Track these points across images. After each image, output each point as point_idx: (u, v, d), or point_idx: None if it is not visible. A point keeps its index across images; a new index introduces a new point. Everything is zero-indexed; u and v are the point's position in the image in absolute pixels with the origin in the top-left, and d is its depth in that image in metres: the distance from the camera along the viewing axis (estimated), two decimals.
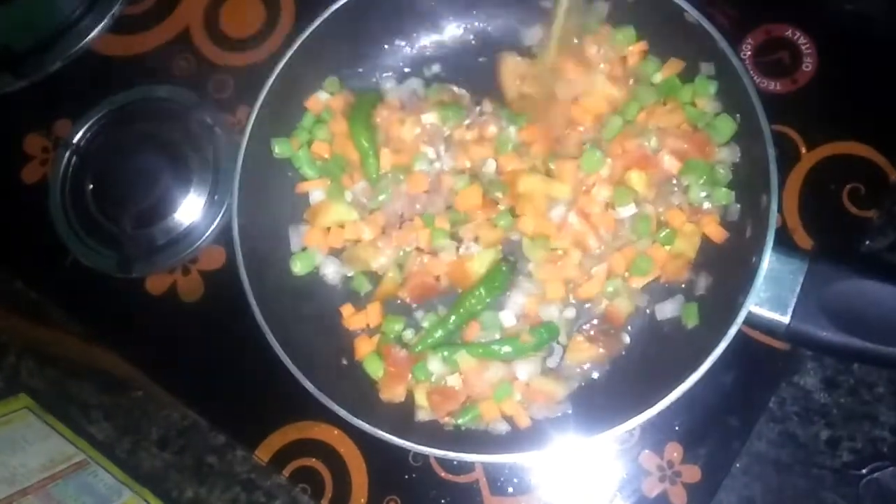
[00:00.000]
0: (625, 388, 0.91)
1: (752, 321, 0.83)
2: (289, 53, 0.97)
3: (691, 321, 0.91)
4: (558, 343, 0.94)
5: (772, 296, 0.83)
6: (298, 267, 0.99)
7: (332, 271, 1.01)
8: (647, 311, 0.95)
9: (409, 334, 0.96)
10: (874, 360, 0.85)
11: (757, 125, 0.86)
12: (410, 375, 0.93)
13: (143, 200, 1.07)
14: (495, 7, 1.06)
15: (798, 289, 0.83)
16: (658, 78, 0.97)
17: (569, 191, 0.94)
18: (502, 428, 0.91)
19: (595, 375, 0.94)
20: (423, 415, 0.92)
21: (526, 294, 0.95)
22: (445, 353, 0.91)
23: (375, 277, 1.00)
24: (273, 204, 1.01)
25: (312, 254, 1.00)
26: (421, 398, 0.92)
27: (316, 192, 1.02)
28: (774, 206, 0.84)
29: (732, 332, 0.82)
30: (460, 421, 0.91)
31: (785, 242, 0.93)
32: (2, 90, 1.18)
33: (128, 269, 1.07)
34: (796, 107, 1.02)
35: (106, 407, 1.07)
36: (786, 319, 0.83)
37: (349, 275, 1.01)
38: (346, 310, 0.98)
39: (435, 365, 0.92)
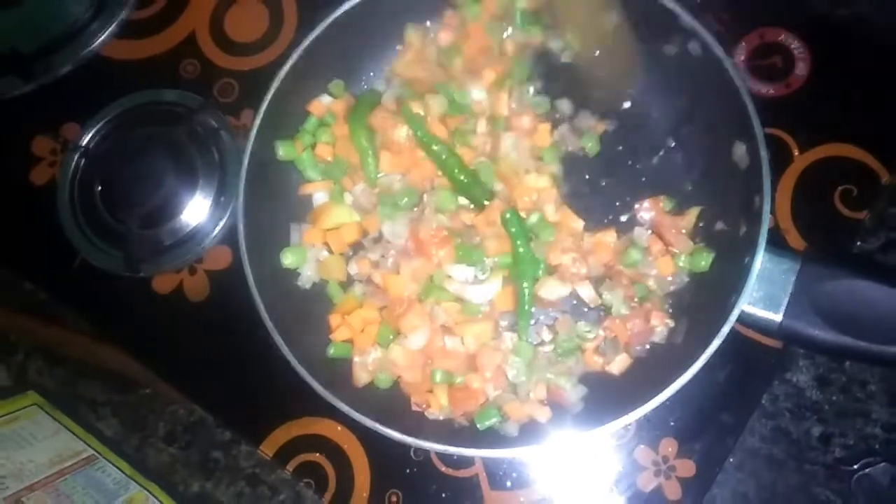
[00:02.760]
0: (621, 385, 0.93)
1: (744, 320, 0.85)
2: (292, 58, 0.98)
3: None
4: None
5: (764, 295, 0.84)
6: (289, 260, 0.99)
7: (306, 275, 1.01)
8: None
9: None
10: (865, 358, 0.86)
11: (751, 128, 0.87)
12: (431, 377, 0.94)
13: (150, 201, 1.08)
14: None
15: (790, 288, 0.84)
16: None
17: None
18: (513, 430, 0.92)
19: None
20: (439, 413, 0.93)
21: None
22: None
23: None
24: (278, 205, 1.02)
25: (305, 250, 1.01)
26: (442, 397, 0.93)
27: (319, 193, 1.04)
28: (767, 207, 0.85)
29: (725, 330, 0.83)
30: (483, 424, 0.91)
31: (778, 243, 0.95)
32: (11, 93, 1.19)
33: (135, 269, 1.08)
34: (789, 110, 1.03)
35: (114, 404, 1.09)
36: (778, 318, 0.84)
37: (316, 280, 1.02)
38: (334, 319, 0.98)
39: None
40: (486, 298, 0.95)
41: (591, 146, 1.02)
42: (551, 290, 0.95)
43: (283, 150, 1.01)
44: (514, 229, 0.93)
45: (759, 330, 0.89)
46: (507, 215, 0.93)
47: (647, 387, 0.85)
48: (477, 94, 1.01)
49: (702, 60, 0.92)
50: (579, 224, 0.97)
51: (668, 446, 0.95)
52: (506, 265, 0.95)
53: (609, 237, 0.96)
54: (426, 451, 0.97)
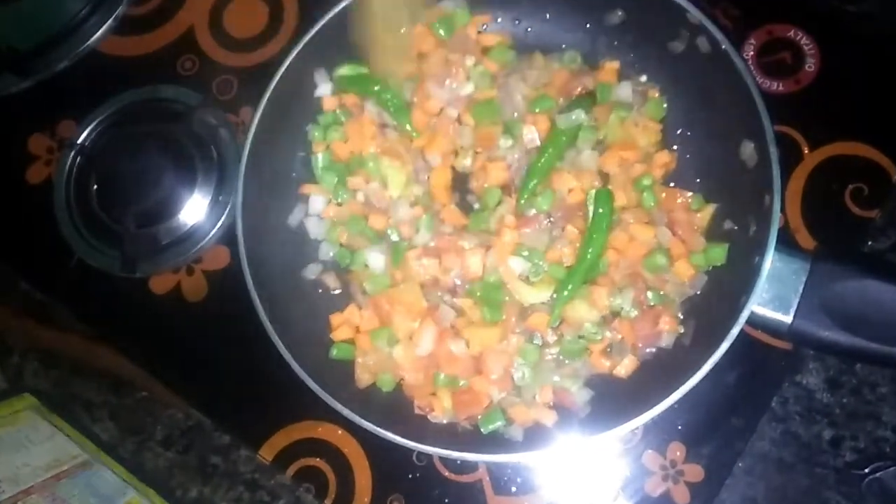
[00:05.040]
0: (628, 388, 0.92)
1: (754, 321, 0.84)
2: (292, 54, 0.98)
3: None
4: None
5: (774, 295, 0.84)
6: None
7: (315, 227, 1.02)
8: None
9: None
10: (876, 360, 0.85)
11: (760, 125, 0.86)
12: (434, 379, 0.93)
13: (148, 200, 1.07)
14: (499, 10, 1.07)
15: (801, 288, 0.83)
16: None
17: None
18: (518, 434, 0.90)
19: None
20: (442, 417, 0.92)
21: None
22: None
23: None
24: (276, 204, 1.01)
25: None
26: (445, 400, 0.92)
27: (316, 196, 1.03)
28: (777, 206, 0.84)
29: (735, 331, 0.82)
30: (487, 428, 0.90)
31: (787, 242, 0.94)
32: (7, 90, 1.18)
33: (132, 269, 1.07)
34: (799, 107, 1.02)
35: (110, 407, 1.08)
36: (788, 319, 0.83)
37: (328, 240, 1.01)
38: (336, 318, 0.98)
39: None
40: (532, 301, 0.94)
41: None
42: (580, 312, 0.92)
43: (317, 133, 1.03)
44: (601, 210, 0.92)
45: (769, 331, 0.88)
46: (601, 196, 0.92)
47: (655, 390, 0.84)
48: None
49: (710, 56, 0.92)
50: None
51: (677, 450, 0.94)
52: (557, 275, 0.93)
53: (647, 234, 0.94)
54: (429, 456, 0.96)
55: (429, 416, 0.93)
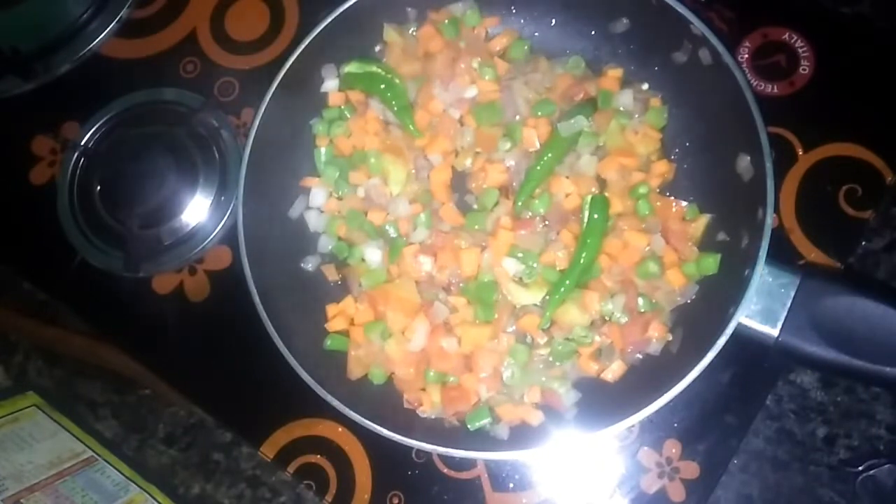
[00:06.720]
0: (615, 391, 0.92)
1: (741, 333, 0.83)
2: (293, 56, 0.98)
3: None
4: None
5: (762, 308, 0.83)
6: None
7: (315, 220, 1.03)
8: None
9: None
10: (861, 377, 0.85)
11: (757, 140, 0.86)
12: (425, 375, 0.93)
13: (150, 201, 1.08)
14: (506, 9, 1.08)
15: (789, 303, 0.83)
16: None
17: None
18: (503, 433, 0.91)
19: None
20: (430, 412, 0.93)
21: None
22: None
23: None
24: (277, 204, 1.02)
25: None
26: (434, 395, 0.92)
27: (318, 189, 1.03)
28: (770, 220, 0.84)
29: (721, 342, 0.82)
30: (473, 425, 0.91)
31: (781, 244, 0.95)
32: (10, 92, 1.19)
33: (135, 269, 1.07)
34: (793, 109, 1.02)
35: (113, 405, 1.08)
36: (775, 332, 0.83)
37: (328, 233, 1.03)
38: (332, 309, 0.99)
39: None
40: (524, 302, 0.94)
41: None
42: (571, 315, 0.93)
43: (321, 127, 1.04)
44: (595, 216, 0.93)
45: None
46: (594, 201, 0.94)
47: (642, 394, 0.84)
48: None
49: (711, 69, 0.92)
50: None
51: (672, 448, 0.95)
52: (550, 278, 0.94)
53: (641, 241, 0.94)
54: (428, 453, 0.97)
55: (417, 411, 0.93)
